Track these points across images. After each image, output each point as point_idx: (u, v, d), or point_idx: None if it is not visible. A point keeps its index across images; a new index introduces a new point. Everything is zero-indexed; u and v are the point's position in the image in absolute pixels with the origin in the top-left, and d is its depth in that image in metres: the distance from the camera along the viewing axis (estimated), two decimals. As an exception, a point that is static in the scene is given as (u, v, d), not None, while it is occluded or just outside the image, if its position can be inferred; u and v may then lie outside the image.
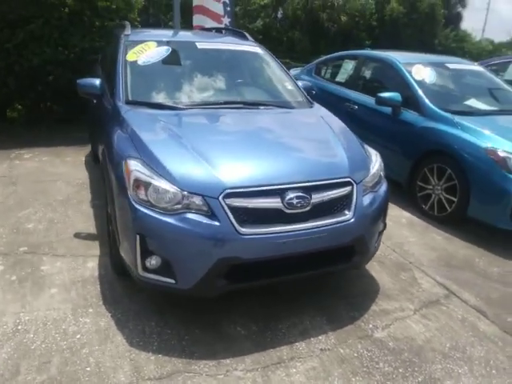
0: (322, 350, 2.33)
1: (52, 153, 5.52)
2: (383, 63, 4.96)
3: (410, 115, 4.31)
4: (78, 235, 3.44)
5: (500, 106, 4.46)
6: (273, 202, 2.27)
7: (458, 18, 27.99)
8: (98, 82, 3.24)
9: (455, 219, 3.81)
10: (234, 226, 2.18)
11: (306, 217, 2.33)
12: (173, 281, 2.26)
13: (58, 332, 2.35)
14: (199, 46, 3.66)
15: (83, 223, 3.64)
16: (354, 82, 5.24)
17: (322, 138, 2.89)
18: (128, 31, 3.72)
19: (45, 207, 3.91)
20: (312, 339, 2.40)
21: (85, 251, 3.20)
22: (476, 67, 5.11)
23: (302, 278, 2.69)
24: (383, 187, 2.74)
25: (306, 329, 2.48)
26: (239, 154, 2.52)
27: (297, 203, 2.29)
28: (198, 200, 2.21)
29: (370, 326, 2.53)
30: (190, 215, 2.20)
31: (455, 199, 3.78)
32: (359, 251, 2.56)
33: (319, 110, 3.35)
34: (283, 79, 3.70)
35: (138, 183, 2.27)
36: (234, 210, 2.20)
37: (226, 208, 2.19)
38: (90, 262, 3.05)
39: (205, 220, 2.19)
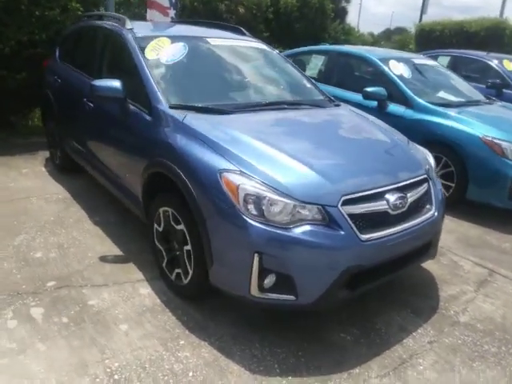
0: (429, 342, 2.41)
1: None
2: (359, 59, 5.17)
3: (396, 108, 4.58)
4: (104, 259, 3.02)
5: (466, 97, 4.96)
6: (381, 205, 2.27)
7: (343, 12, 30.13)
8: (119, 83, 2.84)
9: (454, 202, 4.18)
10: (355, 233, 2.13)
11: (405, 217, 2.38)
12: (293, 297, 2.14)
13: (166, 374, 2.08)
14: (212, 42, 3.42)
15: (100, 245, 3.21)
16: (326, 78, 5.36)
17: (386, 138, 2.92)
18: (129, 25, 3.31)
19: (40, 231, 3.35)
20: (414, 334, 2.47)
21: (126, 277, 2.83)
22: (433, 62, 5.61)
23: (397, 275, 2.72)
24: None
25: (401, 325, 2.54)
26: (337, 159, 2.45)
27: (399, 204, 2.32)
28: (314, 210, 2.11)
29: (452, 312, 2.69)
30: (308, 227, 2.09)
31: (452, 184, 4.14)
32: (435, 242, 2.69)
33: (351, 108, 3.38)
34: (301, 77, 3.65)
35: (248, 197, 2.09)
36: (351, 217, 2.15)
37: (345, 216, 2.13)
38: (141, 289, 2.72)
39: (326, 230, 2.10)
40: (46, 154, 5.11)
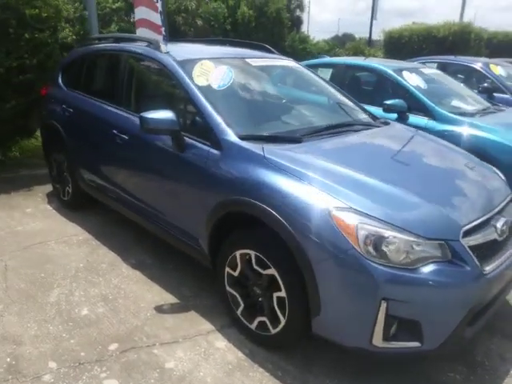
0: (539, 371, 2.29)
1: (-2, 205, 4.24)
2: (370, 71, 5.09)
3: (418, 120, 4.51)
4: (161, 310, 2.71)
5: (478, 105, 4.99)
6: (491, 233, 2.13)
7: (299, 21, 30.71)
8: (173, 115, 2.55)
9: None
10: (478, 267, 1.97)
11: (509, 241, 2.25)
12: (418, 344, 1.94)
13: None
14: (252, 63, 3.20)
15: (149, 292, 2.88)
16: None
17: (464, 158, 2.80)
18: (165, 48, 3.03)
19: (75, 281, 2.97)
20: (521, 364, 2.35)
21: (194, 328, 2.53)
22: (437, 71, 5.64)
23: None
24: None
25: (500, 354, 2.41)
26: (440, 187, 2.28)
27: (505, 229, 2.19)
28: (437, 246, 1.93)
29: (544, 334, 2.59)
30: (434, 265, 1.90)
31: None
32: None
33: (403, 126, 3.26)
34: (340, 94, 3.49)
35: (368, 238, 1.88)
36: (472, 249, 1.99)
37: (467, 249, 1.97)
38: (216, 342, 2.43)
39: (451, 267, 1.92)
40: (45, 188, 4.68)
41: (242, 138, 2.44)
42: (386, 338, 1.91)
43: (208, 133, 2.52)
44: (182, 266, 3.16)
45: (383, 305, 1.85)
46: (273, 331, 2.28)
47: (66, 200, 4.14)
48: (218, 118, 2.51)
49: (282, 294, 2.17)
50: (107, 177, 3.42)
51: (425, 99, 4.54)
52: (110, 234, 3.67)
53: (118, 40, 3.59)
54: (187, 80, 2.73)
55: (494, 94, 6.70)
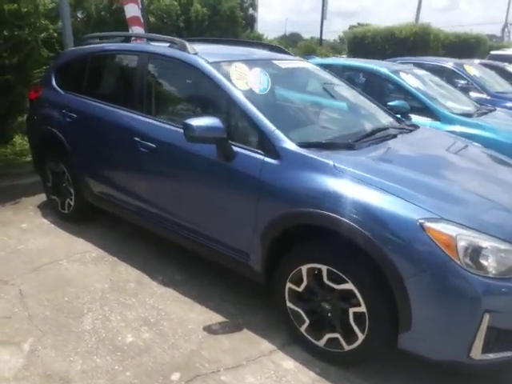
0: None
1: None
2: (367, 73, 5.10)
3: (422, 121, 4.57)
4: (212, 330, 2.53)
5: (470, 106, 5.15)
6: None
7: (252, 19, 30.65)
8: (219, 121, 2.38)
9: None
10: None
11: None
12: (512, 353, 1.93)
13: None
14: (280, 65, 3.08)
15: (192, 312, 2.69)
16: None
17: (502, 158, 2.84)
18: (192, 49, 2.83)
19: (105, 305, 2.72)
20: None
21: (254, 349, 2.39)
22: (424, 71, 5.76)
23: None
24: None
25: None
26: (507, 192, 2.28)
27: None
28: None
29: None
30: None
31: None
32: None
33: (434, 129, 3.27)
34: (364, 97, 3.44)
35: (467, 250, 1.83)
36: None
37: None
38: (282, 362, 2.30)
39: None
40: (34, 200, 4.30)
41: (302, 145, 2.32)
42: (484, 350, 1.88)
43: (261, 140, 2.38)
44: (217, 281, 2.98)
45: (485, 317, 1.81)
46: (347, 348, 2.19)
47: (67, 213, 3.80)
48: (271, 125, 2.37)
49: (362, 309, 2.08)
50: (125, 188, 3.16)
51: (427, 100, 4.62)
52: (126, 250, 3.41)
53: (127, 39, 3.32)
54: (228, 84, 2.56)
55: (470, 94, 6.98)
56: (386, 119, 3.20)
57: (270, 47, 3.69)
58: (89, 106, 3.31)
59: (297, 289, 2.31)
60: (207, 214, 2.69)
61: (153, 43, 3.15)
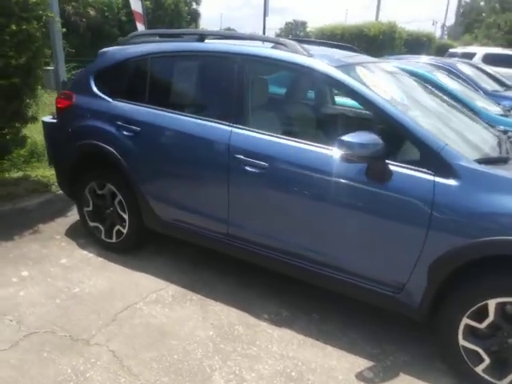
0: None
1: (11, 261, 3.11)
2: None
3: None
4: (366, 379, 2.18)
5: (496, 106, 5.17)
6: None
7: (196, 14, 29.75)
8: (378, 137, 2.04)
9: None
10: None
11: None
12: None
13: None
14: (386, 68, 2.78)
15: (327, 357, 2.32)
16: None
17: None
18: (305, 51, 2.43)
19: (227, 358, 2.27)
20: None
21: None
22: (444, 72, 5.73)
23: None
24: None
25: None
26: None
27: None
28: None
29: None
30: None
31: None
32: None
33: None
34: (457, 102, 3.23)
35: None
36: None
37: None
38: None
39: None
40: (55, 227, 3.67)
41: (480, 161, 2.04)
42: None
43: (426, 157, 2.06)
44: (327, 315, 2.63)
45: None
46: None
47: (114, 242, 3.22)
48: (439, 139, 2.07)
49: None
50: (217, 216, 2.67)
51: (468, 100, 4.55)
52: (203, 282, 2.93)
53: (202, 37, 2.81)
54: (370, 92, 2.21)
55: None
56: (491, 129, 3.01)
57: (340, 46, 3.33)
58: (161, 118, 2.76)
59: (477, 325, 2.04)
60: (342, 244, 2.33)
61: (243, 43, 2.69)
